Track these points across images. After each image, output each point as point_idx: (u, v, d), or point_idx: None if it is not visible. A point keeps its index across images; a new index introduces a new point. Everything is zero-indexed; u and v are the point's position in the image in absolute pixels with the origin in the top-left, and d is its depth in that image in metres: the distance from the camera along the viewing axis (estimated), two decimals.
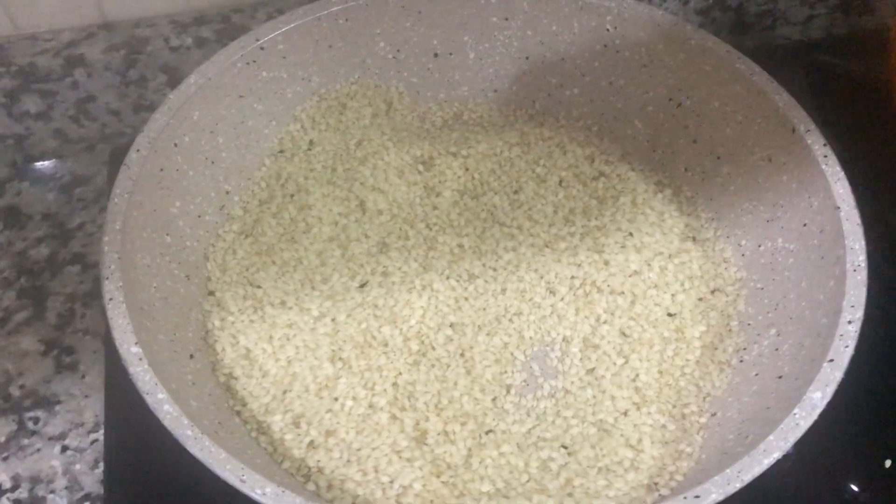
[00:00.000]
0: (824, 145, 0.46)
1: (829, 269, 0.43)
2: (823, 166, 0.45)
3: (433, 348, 0.48)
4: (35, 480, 0.48)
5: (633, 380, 0.46)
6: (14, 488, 0.48)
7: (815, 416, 0.37)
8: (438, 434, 0.44)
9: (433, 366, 0.47)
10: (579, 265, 0.50)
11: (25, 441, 0.50)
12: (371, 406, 0.45)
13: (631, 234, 0.51)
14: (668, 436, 0.44)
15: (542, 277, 0.50)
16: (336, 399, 0.45)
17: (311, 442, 0.43)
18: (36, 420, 0.50)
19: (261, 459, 0.42)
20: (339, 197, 0.53)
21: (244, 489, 0.35)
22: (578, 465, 0.43)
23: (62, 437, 0.50)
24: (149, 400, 0.37)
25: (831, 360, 0.39)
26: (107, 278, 0.41)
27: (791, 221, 0.47)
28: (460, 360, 0.47)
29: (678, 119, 0.54)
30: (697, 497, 0.35)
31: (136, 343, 0.38)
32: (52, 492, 0.48)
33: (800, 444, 0.37)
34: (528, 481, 0.42)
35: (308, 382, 0.45)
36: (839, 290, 0.41)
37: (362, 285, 0.49)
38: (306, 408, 0.44)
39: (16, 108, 0.60)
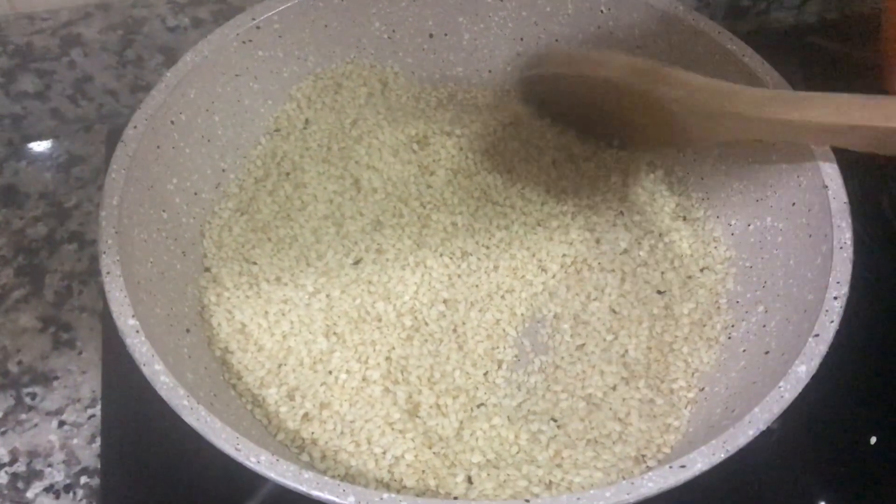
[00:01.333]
0: None
1: (816, 246, 0.44)
2: (812, 146, 0.45)
3: (426, 324, 0.48)
4: (33, 454, 0.49)
5: (622, 355, 0.47)
6: (12, 462, 0.49)
7: (799, 388, 0.38)
8: (430, 407, 0.45)
9: (426, 341, 0.47)
10: (571, 243, 0.51)
11: (23, 416, 0.50)
12: (364, 379, 0.45)
13: (622, 213, 0.52)
14: (656, 410, 0.45)
15: (533, 255, 0.51)
16: (330, 372, 0.45)
17: (306, 414, 0.44)
18: (34, 395, 0.51)
19: (256, 431, 0.43)
20: (334, 175, 0.53)
21: (239, 458, 0.35)
22: (567, 437, 0.44)
23: (59, 412, 0.50)
24: (146, 371, 0.37)
25: (816, 335, 0.39)
26: (104, 252, 0.41)
27: (780, 201, 0.48)
28: (453, 336, 0.48)
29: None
30: (683, 467, 0.35)
31: (133, 315, 0.39)
32: (50, 465, 0.49)
33: (786, 421, 0.37)
34: (517, 453, 0.43)
35: (303, 356, 0.46)
36: (826, 266, 0.42)
37: (357, 262, 0.50)
38: (301, 381, 0.45)
39: (13, 87, 0.60)
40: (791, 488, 0.47)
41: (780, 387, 0.38)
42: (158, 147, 0.47)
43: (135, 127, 0.46)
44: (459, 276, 0.50)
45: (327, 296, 0.48)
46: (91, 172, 0.61)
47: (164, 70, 0.61)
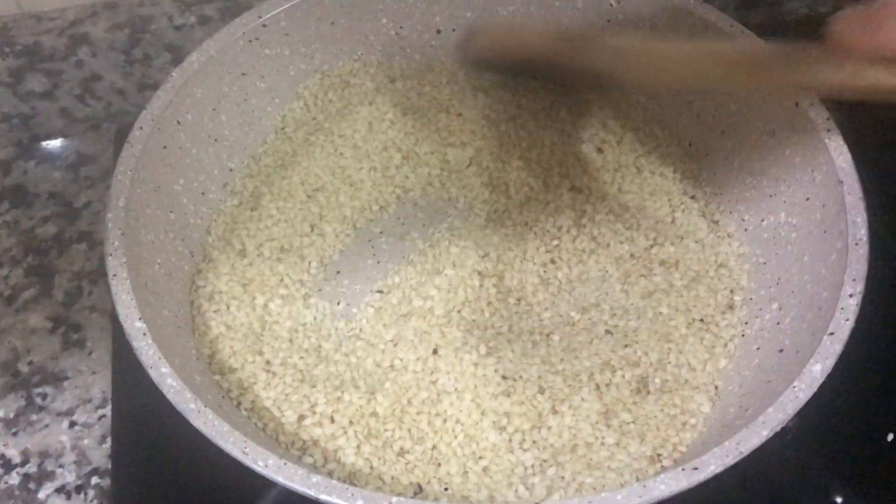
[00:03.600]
0: (828, 119, 0.45)
1: (831, 242, 0.43)
2: (826, 140, 0.45)
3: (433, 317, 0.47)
4: (44, 455, 0.49)
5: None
6: (24, 463, 0.49)
7: (814, 388, 0.37)
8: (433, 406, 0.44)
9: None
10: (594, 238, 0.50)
11: (34, 417, 0.50)
12: (354, 380, 0.44)
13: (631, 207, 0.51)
14: (674, 409, 0.44)
15: (547, 251, 0.50)
16: (317, 376, 0.45)
17: (301, 416, 0.43)
18: (44, 396, 0.51)
19: (263, 434, 0.43)
20: (340, 172, 0.53)
21: (247, 461, 0.35)
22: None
23: (70, 412, 0.51)
24: (152, 374, 0.37)
25: (832, 334, 0.39)
26: (110, 255, 0.41)
27: (794, 196, 0.47)
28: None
29: (681, 94, 0.54)
30: (696, 469, 0.35)
31: (139, 318, 0.39)
32: (61, 466, 0.49)
33: (801, 418, 0.37)
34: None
35: (298, 360, 0.45)
36: (841, 263, 0.41)
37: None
38: (294, 384, 0.44)
39: (21, 87, 0.60)
40: (805, 485, 0.46)
41: (794, 386, 0.37)
42: (165, 147, 0.47)
43: (141, 128, 0.46)
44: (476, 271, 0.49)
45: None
46: (100, 172, 0.61)
47: (172, 68, 0.61)
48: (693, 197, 0.53)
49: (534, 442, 0.42)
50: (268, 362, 0.45)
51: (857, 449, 0.48)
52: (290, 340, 0.46)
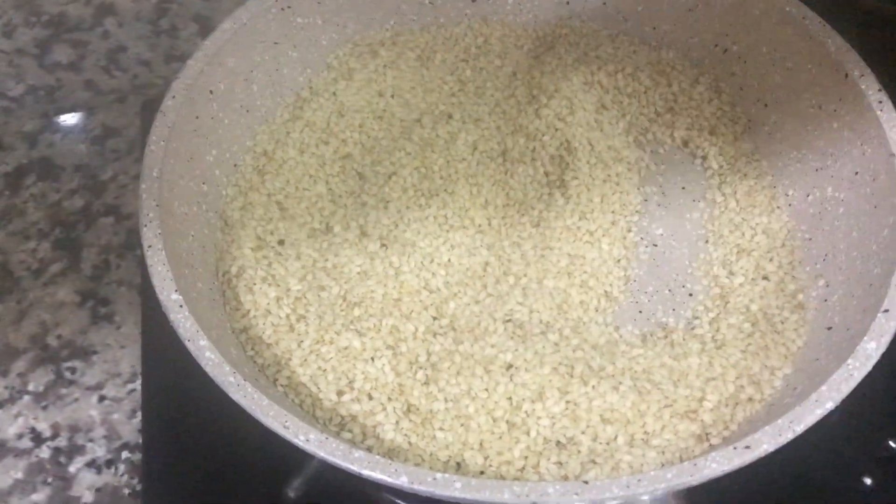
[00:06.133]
0: (879, 90, 0.44)
1: (882, 218, 0.42)
2: (878, 112, 0.43)
3: (467, 291, 0.46)
4: (74, 429, 0.49)
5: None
6: (54, 437, 0.48)
7: (869, 367, 0.36)
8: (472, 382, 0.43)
9: (469, 306, 0.46)
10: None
11: (64, 391, 0.50)
12: (396, 353, 0.43)
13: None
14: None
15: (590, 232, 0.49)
16: (345, 347, 0.43)
17: (340, 392, 0.42)
18: (73, 370, 0.51)
19: (300, 410, 0.42)
20: (369, 143, 0.52)
21: (288, 436, 0.34)
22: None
23: (99, 386, 0.50)
24: (190, 346, 0.37)
25: (886, 311, 0.37)
26: (145, 226, 0.40)
27: (842, 170, 0.46)
28: (497, 303, 0.46)
29: (724, 65, 0.53)
30: (748, 448, 0.34)
31: (176, 290, 0.38)
32: (91, 440, 0.48)
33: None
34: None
35: (333, 335, 0.44)
36: (893, 239, 0.40)
37: (384, 235, 0.48)
38: (330, 358, 0.43)
39: (47, 58, 0.60)
40: (835, 466, 0.45)
41: (848, 364, 0.36)
42: (197, 118, 0.46)
43: (173, 97, 0.45)
44: (502, 241, 0.48)
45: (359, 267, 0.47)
46: (126, 144, 0.61)
47: (199, 39, 0.60)
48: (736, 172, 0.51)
49: (573, 415, 0.41)
50: (301, 339, 0.44)
51: (889, 431, 0.46)
52: (322, 316, 0.45)
